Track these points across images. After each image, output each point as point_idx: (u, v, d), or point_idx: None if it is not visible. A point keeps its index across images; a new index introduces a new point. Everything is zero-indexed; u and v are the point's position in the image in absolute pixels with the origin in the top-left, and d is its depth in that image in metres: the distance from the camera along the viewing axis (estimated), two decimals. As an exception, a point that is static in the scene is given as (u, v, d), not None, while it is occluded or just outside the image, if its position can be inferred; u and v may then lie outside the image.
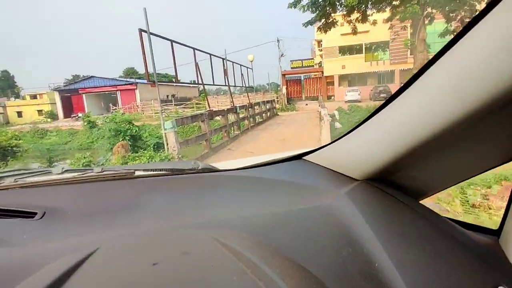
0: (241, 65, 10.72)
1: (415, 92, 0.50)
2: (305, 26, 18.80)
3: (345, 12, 17.93)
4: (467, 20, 16.35)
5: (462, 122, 0.44)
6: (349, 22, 18.59)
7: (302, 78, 36.14)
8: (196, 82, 7.33)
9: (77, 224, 0.61)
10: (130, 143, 8.54)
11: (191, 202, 0.71)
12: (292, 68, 33.91)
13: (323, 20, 18.20)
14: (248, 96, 12.30)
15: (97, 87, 33.48)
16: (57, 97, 35.18)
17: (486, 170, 0.61)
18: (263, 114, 14.41)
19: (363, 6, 17.32)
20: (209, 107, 7.18)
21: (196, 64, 7.33)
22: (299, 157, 0.89)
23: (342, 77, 32.21)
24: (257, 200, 0.72)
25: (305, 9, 16.26)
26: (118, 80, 33.38)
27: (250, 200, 0.72)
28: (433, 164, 0.61)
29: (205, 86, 7.53)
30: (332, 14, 18.04)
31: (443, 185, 0.70)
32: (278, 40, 25.63)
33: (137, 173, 0.83)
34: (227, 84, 8.77)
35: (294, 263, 0.46)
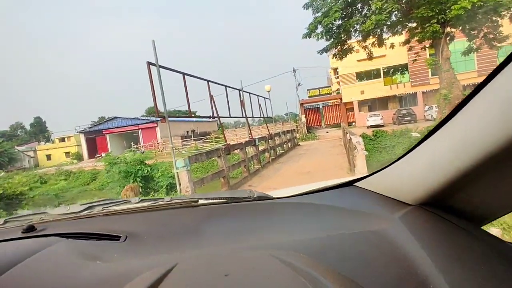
0: (258, 95, 10.39)
1: (464, 116, 0.52)
2: (320, 54, 18.72)
3: (360, 38, 17.75)
4: (490, 36, 15.78)
5: (509, 148, 0.44)
6: (365, 47, 18.35)
7: (321, 106, 35.76)
8: (212, 115, 6.95)
9: (154, 245, 0.70)
10: (141, 184, 8.15)
11: (248, 227, 0.77)
12: (309, 96, 33.71)
13: (338, 47, 18.07)
14: (267, 127, 11.80)
15: (120, 127, 34.52)
16: (82, 139, 36.54)
17: None
18: (284, 145, 13.81)
19: (379, 30, 17.06)
20: (226, 141, 6.68)
21: (211, 97, 7.06)
22: (350, 183, 0.94)
23: (361, 103, 31.50)
24: (310, 225, 0.74)
25: (319, 37, 16.14)
26: (139, 119, 34.31)
27: (303, 225, 0.74)
28: (490, 187, 0.59)
29: (221, 119, 7.10)
30: (348, 41, 17.91)
31: (504, 210, 0.66)
32: (294, 70, 25.67)
33: (200, 201, 0.94)
34: (244, 115, 8.35)
35: (352, 281, 0.48)
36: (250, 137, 8.84)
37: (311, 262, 0.52)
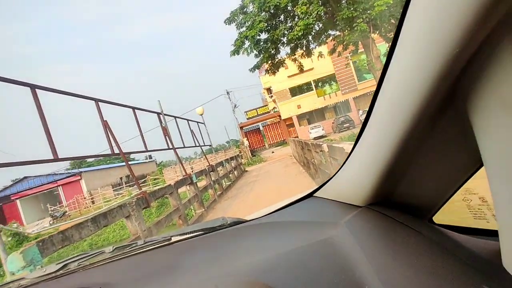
0: (187, 119, 8.29)
1: (374, 116, 0.56)
2: (252, 72, 17.59)
3: (289, 51, 17.16)
4: None
5: (417, 126, 0.47)
6: (294, 60, 17.81)
7: (261, 127, 34.88)
8: (145, 150, 4.75)
9: None
10: None
11: (219, 255, 0.77)
12: (248, 118, 32.53)
13: (269, 62, 17.18)
14: (205, 157, 9.63)
15: (33, 187, 28.74)
16: (-17, 211, 29.51)
17: (478, 169, 0.56)
18: (230, 175, 11.73)
19: (305, 41, 16.63)
20: (138, 187, 4.40)
21: (163, 129, 5.03)
22: (310, 194, 0.99)
23: (300, 117, 31.40)
24: (271, 244, 0.76)
25: (248, 52, 14.93)
26: (57, 174, 29.00)
27: (268, 244, 0.76)
28: (422, 176, 0.61)
29: (153, 156, 4.81)
30: (277, 55, 17.15)
31: (443, 195, 0.65)
32: (227, 92, 24.15)
33: (174, 238, 0.94)
34: (170, 146, 6.17)
35: None
36: (184, 174, 6.57)
37: (251, 285, 0.55)
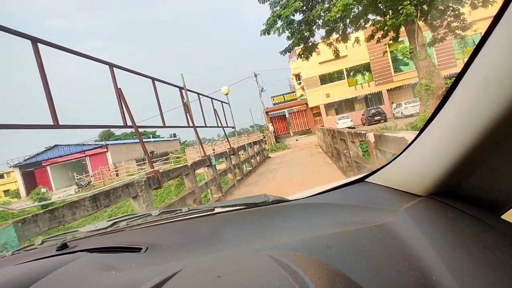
0: (212, 98, 7.78)
1: (454, 101, 0.52)
2: (283, 54, 16.77)
3: (324, 34, 16.10)
4: (454, 24, 14.85)
5: (501, 122, 0.44)
6: (330, 44, 16.72)
7: (287, 113, 34.03)
8: (163, 125, 4.38)
9: (171, 254, 0.73)
10: None
11: (261, 230, 0.78)
12: (274, 104, 31.76)
13: (302, 46, 16.24)
14: (227, 139, 9.18)
15: (63, 156, 29.96)
16: (17, 174, 31.30)
17: None
18: (252, 160, 11.26)
19: (342, 24, 15.48)
20: (150, 165, 3.99)
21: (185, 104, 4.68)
22: (361, 179, 0.96)
23: (328, 106, 30.18)
24: (321, 223, 0.75)
25: (280, 32, 14.08)
26: (85, 145, 30.01)
27: (314, 224, 0.75)
28: (499, 171, 0.56)
29: (179, 135, 4.41)
30: (311, 38, 16.16)
31: None
32: (255, 75, 23.43)
33: (216, 210, 0.96)
34: (191, 124, 5.73)
35: (340, 275, 0.49)
36: (203, 155, 6.14)
37: (307, 261, 0.54)
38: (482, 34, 0.44)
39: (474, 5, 13.81)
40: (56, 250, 0.84)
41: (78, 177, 24.33)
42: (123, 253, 0.76)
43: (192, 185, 4.84)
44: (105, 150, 29.96)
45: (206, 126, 6.76)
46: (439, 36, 14.31)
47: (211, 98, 7.76)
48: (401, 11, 11.75)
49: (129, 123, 3.68)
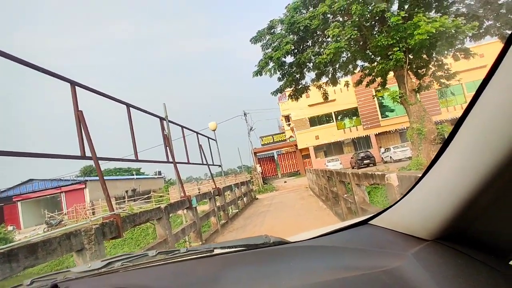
0: (198, 132, 7.10)
1: (457, 144, 0.52)
2: (274, 95, 16.83)
3: (314, 76, 16.32)
4: (439, 73, 15.35)
5: (503, 170, 0.44)
6: (319, 87, 16.91)
7: (275, 155, 33.62)
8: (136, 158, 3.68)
9: None
10: None
11: (265, 273, 0.75)
12: (263, 144, 31.42)
13: (292, 87, 16.32)
14: (212, 178, 8.38)
15: (37, 191, 28.03)
16: (-17, 209, 28.86)
17: None
18: (239, 201, 10.40)
19: (333, 66, 15.76)
20: (109, 208, 3.18)
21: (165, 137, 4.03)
22: (365, 222, 0.93)
23: (317, 148, 30.07)
24: (325, 267, 0.72)
25: (272, 73, 14.11)
26: (62, 180, 28.31)
27: (318, 268, 0.73)
28: (505, 214, 0.56)
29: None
30: (301, 80, 16.33)
31: None
32: (245, 114, 23.25)
33: (216, 251, 0.92)
34: (170, 159, 5.00)
35: None
36: (182, 195, 5.34)
37: None
38: (481, 80, 0.44)
39: (456, 57, 14.35)
40: None
41: (49, 215, 22.42)
42: None
43: (165, 232, 3.96)
44: (83, 186, 28.31)
45: (188, 163, 6.04)
46: (424, 84, 14.60)
47: (197, 133, 7.13)
48: (390, 57, 11.93)
49: (88, 153, 2.97)
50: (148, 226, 12.60)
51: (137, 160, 3.98)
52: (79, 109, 2.97)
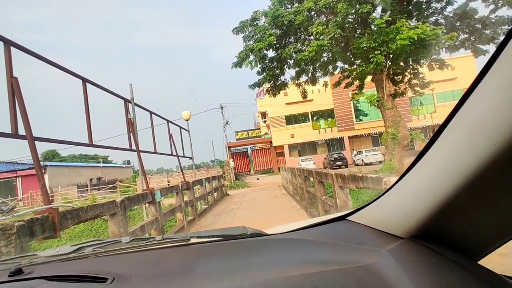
0: (168, 120, 6.49)
1: (438, 147, 0.54)
2: (252, 89, 16.38)
3: (294, 74, 16.11)
4: (414, 81, 15.73)
5: (484, 172, 0.46)
6: (298, 85, 16.74)
7: (249, 150, 33.28)
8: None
9: (141, 286, 0.68)
10: None
11: (240, 265, 0.74)
12: (237, 139, 30.94)
13: (271, 82, 15.99)
14: (181, 170, 7.79)
15: (-11, 173, 25.80)
16: None
17: None
18: (209, 196, 9.91)
19: (313, 65, 15.62)
20: (45, 200, 2.66)
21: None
22: (343, 217, 0.95)
23: (291, 147, 30.12)
24: (302, 261, 0.73)
25: (252, 65, 13.67)
26: (19, 163, 26.22)
27: (295, 261, 0.73)
28: (479, 217, 0.58)
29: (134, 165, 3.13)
30: (281, 76, 16.05)
31: (498, 241, 0.63)
32: (221, 107, 22.61)
33: (192, 240, 0.92)
34: (133, 147, 4.41)
35: None
36: (145, 187, 4.78)
37: None
38: (469, 85, 0.45)
39: (431, 66, 14.69)
40: (9, 276, 0.76)
41: (0, 201, 20.59)
42: (86, 283, 0.70)
43: (119, 229, 3.43)
44: (42, 171, 26.43)
45: (155, 153, 5.47)
46: (399, 90, 14.83)
47: (167, 121, 6.54)
48: (371, 60, 11.90)
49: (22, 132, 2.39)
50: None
51: (91, 145, 3.41)
52: (14, 76, 2.37)
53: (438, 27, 11.89)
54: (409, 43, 10.90)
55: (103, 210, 3.22)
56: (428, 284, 0.52)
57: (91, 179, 33.30)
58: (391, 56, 12.48)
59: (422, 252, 0.62)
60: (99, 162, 41.61)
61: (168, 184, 16.71)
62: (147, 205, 4.62)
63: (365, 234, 0.80)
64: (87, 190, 25.04)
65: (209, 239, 0.90)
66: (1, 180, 26.27)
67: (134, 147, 4.43)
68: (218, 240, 0.89)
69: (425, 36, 11.10)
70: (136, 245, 0.92)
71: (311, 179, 5.17)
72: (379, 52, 11.80)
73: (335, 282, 0.58)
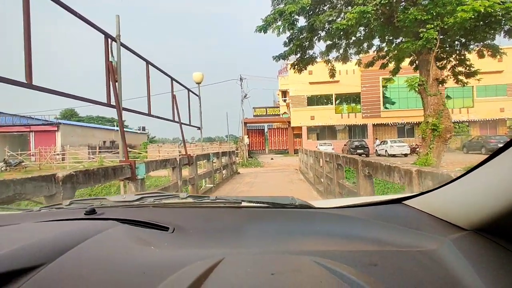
0: (173, 78, 5.21)
1: None
2: (276, 60, 14.77)
3: (323, 49, 14.35)
4: (459, 69, 13.61)
5: None
6: (328, 62, 14.97)
7: (266, 129, 31.94)
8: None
9: (199, 239, 0.71)
10: None
11: (289, 232, 0.75)
12: (255, 116, 29.55)
13: (298, 54, 14.30)
14: (184, 143, 6.59)
15: (4, 125, 25.72)
16: None
17: None
18: (217, 173, 8.78)
19: (347, 40, 13.77)
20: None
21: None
22: (398, 201, 0.91)
23: (310, 129, 28.48)
24: (356, 237, 0.71)
25: (281, 30, 12.00)
26: (33, 118, 25.99)
27: (347, 237, 0.72)
28: None
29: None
30: (309, 50, 14.31)
31: None
32: (241, 79, 21.11)
33: (243, 203, 0.96)
34: (111, 101, 3.23)
35: None
36: (124, 158, 3.59)
37: (358, 273, 0.51)
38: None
39: (481, 53, 12.57)
40: (85, 214, 0.81)
41: (9, 153, 20.37)
42: (152, 230, 0.73)
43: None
44: (55, 129, 26.12)
45: (149, 115, 4.19)
46: (440, 79, 12.85)
47: (172, 78, 5.25)
48: (421, 35, 10.03)
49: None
50: (112, 185, 10.83)
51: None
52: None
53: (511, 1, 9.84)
54: (472, 16, 8.97)
55: (35, 191, 2.04)
56: (495, 277, 0.51)
57: (104, 142, 33.14)
58: (444, 33, 10.57)
59: (489, 246, 0.60)
60: (115, 126, 41.52)
61: (179, 155, 15.75)
62: (127, 182, 3.49)
63: (424, 220, 0.77)
64: (96, 152, 24.62)
65: (259, 205, 0.94)
66: (15, 133, 26.24)
67: (113, 102, 3.23)
68: (267, 207, 0.93)
69: (492, 11, 9.14)
70: (192, 201, 1.00)
71: (345, 167, 3.86)
72: (432, 26, 9.92)
73: (394, 262, 0.57)
